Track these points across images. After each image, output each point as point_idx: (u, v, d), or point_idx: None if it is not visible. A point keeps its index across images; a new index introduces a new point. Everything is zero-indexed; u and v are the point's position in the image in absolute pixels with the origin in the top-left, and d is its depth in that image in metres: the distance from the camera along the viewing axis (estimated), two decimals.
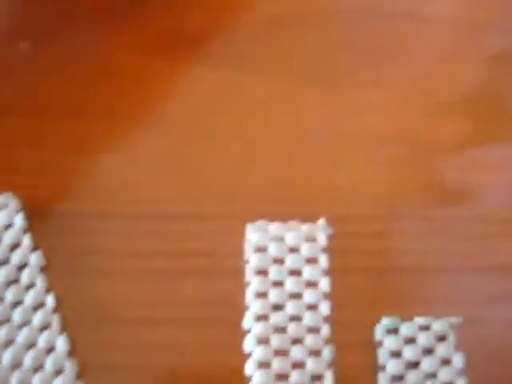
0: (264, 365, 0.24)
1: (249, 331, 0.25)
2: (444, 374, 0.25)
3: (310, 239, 0.26)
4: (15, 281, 0.25)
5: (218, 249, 0.26)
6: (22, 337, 0.24)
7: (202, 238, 0.26)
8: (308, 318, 0.25)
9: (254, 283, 0.25)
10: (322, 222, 0.26)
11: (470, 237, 0.27)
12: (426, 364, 0.25)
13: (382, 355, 0.25)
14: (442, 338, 0.25)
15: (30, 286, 0.25)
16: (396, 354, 0.25)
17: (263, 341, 0.24)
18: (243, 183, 0.27)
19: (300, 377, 0.24)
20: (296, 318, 0.25)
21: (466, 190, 0.28)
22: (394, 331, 0.25)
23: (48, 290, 0.25)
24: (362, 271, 0.26)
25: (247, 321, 0.25)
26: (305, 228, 0.26)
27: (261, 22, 0.30)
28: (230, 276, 0.25)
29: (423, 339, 0.25)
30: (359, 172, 0.28)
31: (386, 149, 0.28)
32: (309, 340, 0.25)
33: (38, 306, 0.25)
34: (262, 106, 0.29)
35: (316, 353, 0.24)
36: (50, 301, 0.25)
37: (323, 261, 0.26)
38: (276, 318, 0.25)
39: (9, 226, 0.26)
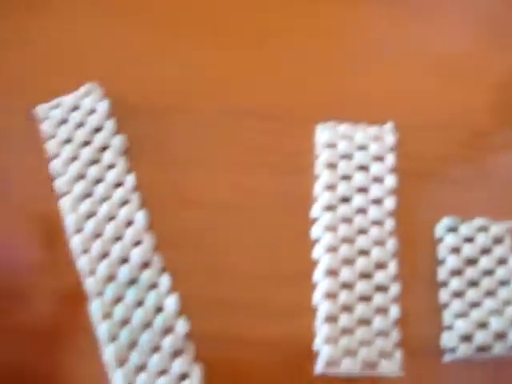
0: (331, 249, 0.25)
1: (317, 220, 0.26)
2: (501, 272, 0.26)
3: (378, 139, 0.27)
4: (97, 161, 0.26)
5: (290, 146, 0.27)
6: (103, 210, 0.25)
7: (276, 135, 0.27)
8: (373, 212, 0.26)
9: (323, 176, 0.26)
10: (389, 125, 0.27)
11: None
12: (484, 262, 0.26)
13: (442, 251, 0.26)
14: (498, 240, 0.26)
15: (111, 166, 0.26)
16: (455, 251, 0.26)
17: (330, 229, 0.26)
18: (317, 89, 0.29)
19: (365, 263, 0.25)
20: (362, 211, 0.26)
21: None
22: (454, 230, 0.26)
23: (128, 171, 0.26)
24: (426, 175, 0.27)
25: (315, 210, 0.26)
26: (373, 129, 0.27)
27: None
28: (300, 171, 0.27)
29: (481, 239, 0.26)
30: (425, 83, 0.29)
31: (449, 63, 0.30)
32: (374, 231, 0.26)
33: (119, 184, 0.26)
34: (337, 20, 0.30)
35: (381, 243, 0.26)
36: (130, 180, 0.26)
37: (390, 159, 0.27)
38: (343, 210, 0.26)
39: (93, 111, 0.27)
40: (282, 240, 0.26)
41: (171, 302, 0.24)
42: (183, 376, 0.23)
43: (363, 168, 0.27)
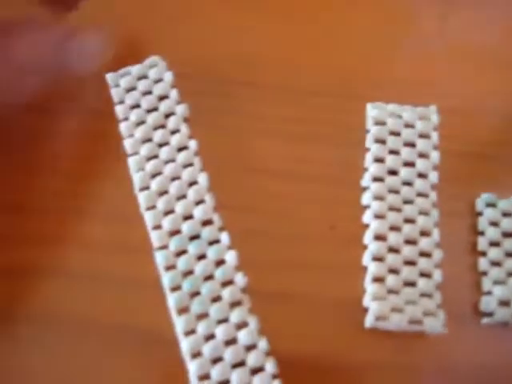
0: (380, 216, 0.27)
1: (367, 189, 0.28)
2: None
3: (424, 118, 0.29)
4: (162, 126, 0.28)
5: (342, 120, 0.29)
6: (167, 170, 0.27)
7: (329, 111, 0.29)
8: (418, 184, 0.28)
9: (373, 149, 0.28)
10: (433, 107, 0.29)
11: None
12: None
13: (482, 223, 0.28)
14: None
15: (175, 131, 0.28)
16: (494, 224, 0.28)
17: (379, 198, 0.27)
18: (365, 72, 0.31)
19: (410, 231, 0.27)
20: (408, 183, 0.28)
21: None
22: (492, 205, 0.28)
23: (191, 137, 0.28)
24: (466, 155, 0.29)
25: (365, 180, 0.28)
26: (419, 109, 0.29)
27: None
28: (353, 144, 0.29)
29: None
30: (470, 72, 0.31)
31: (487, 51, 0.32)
32: (418, 201, 0.28)
33: (182, 148, 0.28)
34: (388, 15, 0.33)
35: (424, 213, 0.27)
36: (193, 144, 0.28)
37: (435, 137, 0.29)
38: (391, 180, 0.28)
39: (159, 80, 0.29)
40: (336, 206, 0.27)
41: (231, 257, 0.26)
42: (241, 325, 0.25)
43: (410, 144, 0.29)
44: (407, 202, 0.28)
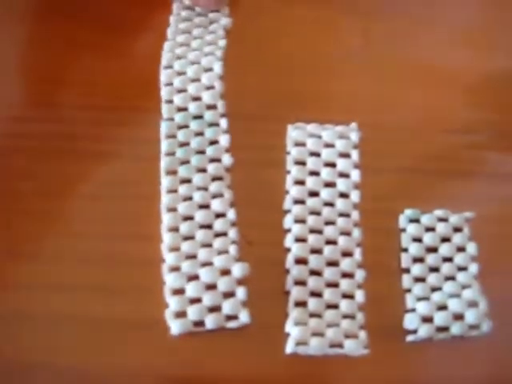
0: (301, 240, 0.27)
1: (288, 212, 0.28)
2: (459, 259, 0.28)
3: (344, 137, 0.29)
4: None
5: (263, 143, 0.29)
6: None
7: (250, 135, 0.29)
8: (340, 204, 0.28)
9: (293, 171, 0.28)
10: (354, 124, 0.29)
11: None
12: (444, 249, 0.28)
13: (405, 239, 0.28)
14: (457, 230, 0.28)
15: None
16: (417, 240, 0.28)
17: (300, 220, 0.27)
18: (288, 92, 0.31)
19: (332, 252, 0.27)
20: (329, 204, 0.28)
21: None
22: (415, 221, 0.28)
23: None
24: (389, 170, 0.29)
25: (287, 203, 0.28)
26: (339, 128, 0.29)
27: None
28: (273, 166, 0.29)
29: (441, 228, 0.28)
30: (391, 90, 0.31)
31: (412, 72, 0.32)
32: (340, 222, 0.28)
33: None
34: (311, 31, 0.33)
35: (346, 233, 0.27)
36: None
37: (355, 155, 0.29)
38: (312, 202, 0.28)
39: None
40: (257, 230, 0.27)
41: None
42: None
43: (330, 164, 0.29)
44: (329, 223, 0.28)
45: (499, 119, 0.31)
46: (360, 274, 0.27)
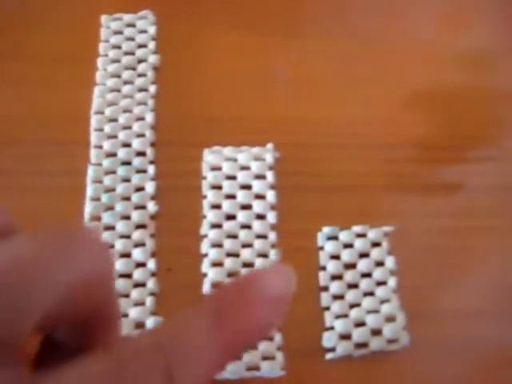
0: (217, 264, 0.27)
1: (205, 237, 0.28)
2: (378, 273, 0.28)
3: (259, 159, 0.29)
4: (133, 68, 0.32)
5: (182, 169, 0.29)
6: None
7: (171, 162, 0.29)
8: (257, 226, 0.28)
9: (209, 196, 0.28)
10: (269, 145, 0.30)
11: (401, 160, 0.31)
12: (362, 265, 0.28)
13: (323, 257, 0.28)
14: (376, 244, 0.28)
15: (142, 75, 0.32)
16: (335, 257, 0.28)
17: (217, 244, 0.28)
18: (207, 117, 0.31)
19: None
20: (246, 227, 0.28)
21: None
22: (334, 238, 0.28)
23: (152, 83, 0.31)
24: (305, 189, 0.29)
25: (204, 228, 0.28)
26: (254, 150, 0.30)
27: None
28: (191, 191, 0.29)
29: (359, 244, 0.28)
30: (308, 108, 0.32)
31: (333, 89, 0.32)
32: (258, 244, 0.28)
33: (143, 89, 0.31)
34: (234, 57, 0.33)
35: (263, 255, 0.28)
36: (153, 88, 0.31)
37: (270, 177, 0.29)
38: (228, 226, 0.28)
39: (143, 31, 0.33)
40: (174, 255, 0.28)
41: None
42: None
43: (246, 187, 0.29)
44: (246, 245, 0.28)
45: (422, 133, 0.32)
46: None
